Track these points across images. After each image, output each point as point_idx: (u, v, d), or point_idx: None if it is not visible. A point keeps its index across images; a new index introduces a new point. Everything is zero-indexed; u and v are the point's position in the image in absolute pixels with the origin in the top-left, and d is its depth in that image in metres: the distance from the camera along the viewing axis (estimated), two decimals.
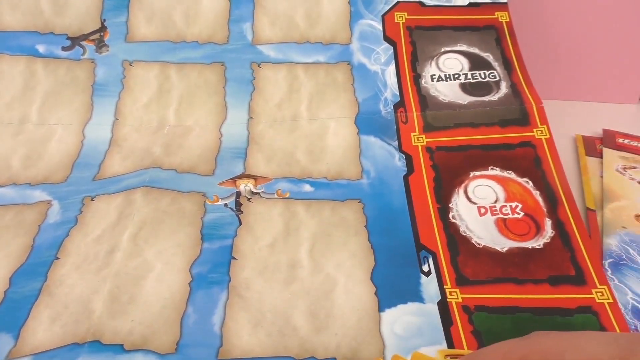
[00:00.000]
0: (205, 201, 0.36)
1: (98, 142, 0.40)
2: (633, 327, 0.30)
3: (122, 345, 0.27)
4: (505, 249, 0.34)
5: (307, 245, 0.34)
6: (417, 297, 0.31)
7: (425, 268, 0.33)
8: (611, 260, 0.35)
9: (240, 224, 0.35)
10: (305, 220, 0.35)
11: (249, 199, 0.36)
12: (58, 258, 0.32)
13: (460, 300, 0.32)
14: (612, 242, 0.36)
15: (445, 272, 0.33)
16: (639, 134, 0.48)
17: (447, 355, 0.29)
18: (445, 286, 0.32)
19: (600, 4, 0.49)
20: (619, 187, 0.38)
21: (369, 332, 0.30)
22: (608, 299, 0.32)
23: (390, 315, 0.30)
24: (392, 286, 0.32)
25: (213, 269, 0.32)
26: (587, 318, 0.31)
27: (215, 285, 0.31)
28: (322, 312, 0.30)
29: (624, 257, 0.35)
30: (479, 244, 0.34)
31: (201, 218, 0.35)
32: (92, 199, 0.36)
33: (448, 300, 0.31)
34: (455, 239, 0.34)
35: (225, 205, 0.36)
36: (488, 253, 0.34)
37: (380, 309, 0.31)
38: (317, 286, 0.31)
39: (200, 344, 0.28)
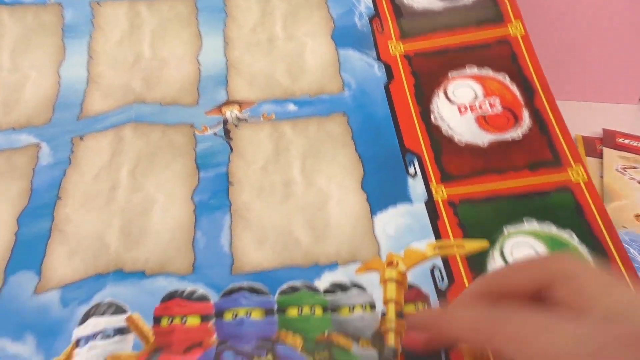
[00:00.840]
0: (194, 132, 0.38)
1: (75, 81, 0.42)
2: None
3: (143, 271, 0.31)
4: (486, 144, 0.37)
5: (298, 163, 0.37)
6: (406, 198, 0.35)
7: (411, 170, 0.36)
8: None
9: (232, 150, 0.37)
10: (293, 140, 0.38)
11: (236, 126, 0.39)
12: (60, 198, 0.35)
13: (445, 196, 0.35)
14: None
15: (430, 171, 0.36)
16: (639, 134, 0.50)
17: (435, 247, 0.33)
18: (430, 184, 0.36)
19: (600, 4, 0.50)
20: (619, 187, 0.39)
21: (364, 236, 0.33)
22: (583, 177, 0.36)
23: (382, 218, 0.34)
24: (381, 191, 0.35)
25: (213, 196, 0.35)
26: (564, 197, 0.35)
27: (218, 210, 0.34)
28: (319, 223, 0.34)
29: None
30: (461, 142, 0.37)
31: (193, 149, 0.37)
32: (81, 139, 0.38)
33: (434, 198, 0.35)
34: (438, 139, 0.37)
35: (215, 134, 0.38)
36: (470, 149, 0.37)
37: (373, 213, 0.34)
38: (312, 200, 0.35)
39: (214, 264, 0.32)
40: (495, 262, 0.33)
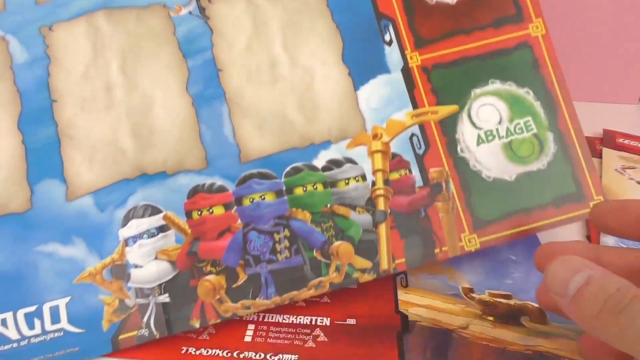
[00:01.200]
0: (169, 13, 0.38)
1: None
2: None
3: (164, 171, 0.35)
4: (455, 1, 0.39)
5: (279, 38, 0.39)
6: (384, 69, 0.39)
7: (387, 37, 0.39)
8: None
9: (212, 32, 0.38)
10: (270, 12, 0.39)
11: (209, 1, 0.39)
12: (55, 101, 0.37)
13: (419, 62, 0.39)
14: (609, 241, 0.39)
15: (405, 37, 0.39)
16: (639, 134, 0.49)
17: (413, 116, 0.38)
18: (405, 52, 0.39)
19: (600, 4, 0.49)
20: (618, 187, 0.40)
21: (350, 111, 0.38)
22: (542, 31, 0.40)
23: (365, 92, 0.38)
24: (361, 63, 0.38)
25: (206, 86, 0.37)
26: (524, 53, 0.40)
27: (214, 100, 0.37)
28: (309, 104, 0.38)
29: None
30: (431, 1, 0.39)
31: (173, 34, 0.38)
32: (50, 29, 0.38)
33: (409, 65, 0.39)
34: (410, 1, 0.39)
35: (190, 12, 0.39)
36: (440, 8, 0.40)
37: (356, 88, 0.38)
38: (299, 80, 0.38)
39: (224, 155, 0.36)
40: (464, 125, 0.39)
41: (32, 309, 0.33)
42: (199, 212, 0.35)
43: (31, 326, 0.33)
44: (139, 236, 0.34)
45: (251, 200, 0.35)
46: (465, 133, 0.38)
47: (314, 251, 0.35)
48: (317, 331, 0.33)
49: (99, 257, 0.34)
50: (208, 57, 0.38)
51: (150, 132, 0.36)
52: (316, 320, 0.34)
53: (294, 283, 0.35)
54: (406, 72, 0.39)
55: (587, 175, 0.38)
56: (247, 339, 0.33)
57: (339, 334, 0.33)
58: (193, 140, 0.36)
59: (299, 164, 0.37)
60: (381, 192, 0.37)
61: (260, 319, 0.34)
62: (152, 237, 0.34)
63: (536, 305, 0.36)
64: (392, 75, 0.39)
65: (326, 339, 0.33)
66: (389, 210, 0.37)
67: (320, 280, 0.35)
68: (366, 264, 0.36)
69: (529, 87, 0.39)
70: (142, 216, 0.34)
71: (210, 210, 0.35)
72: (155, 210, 0.34)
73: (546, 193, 0.38)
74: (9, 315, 0.33)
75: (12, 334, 0.33)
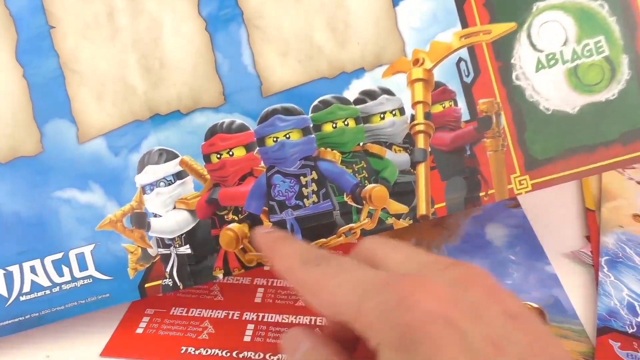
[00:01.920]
0: None
1: None
2: (628, 322, 0.32)
3: (178, 110, 0.32)
4: None
5: None
6: None
7: None
8: (608, 257, 0.35)
9: None
10: None
11: None
12: (53, 27, 0.33)
13: None
14: (608, 241, 0.38)
15: None
16: None
17: (461, 37, 0.33)
18: None
19: None
20: (616, 186, 0.39)
21: (387, 32, 0.33)
22: None
23: (405, 7, 0.33)
24: None
25: (221, 5, 0.33)
26: None
27: (231, 23, 0.33)
28: (339, 24, 0.33)
29: (620, 255, 0.36)
30: None
31: None
32: None
33: None
34: None
35: None
36: None
37: (394, 3, 0.33)
38: None
39: (243, 88, 0.32)
40: (522, 47, 0.33)
41: (59, 256, 0.33)
42: (218, 155, 0.32)
43: (60, 273, 0.33)
44: (156, 184, 0.32)
45: (275, 139, 0.32)
46: (523, 57, 0.33)
47: (345, 195, 0.32)
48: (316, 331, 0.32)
49: (117, 205, 0.32)
50: None
51: (161, 64, 0.32)
52: (316, 320, 0.33)
53: (322, 230, 0.32)
54: None
55: None
56: (247, 338, 0.32)
57: None
58: (208, 72, 0.32)
59: (327, 97, 0.33)
60: (421, 127, 0.33)
61: (260, 319, 0.33)
62: (169, 184, 0.32)
63: (536, 305, 0.34)
64: None
65: None
66: (429, 148, 0.33)
67: (350, 227, 0.33)
68: (402, 208, 0.33)
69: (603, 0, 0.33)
70: (158, 162, 0.32)
71: (230, 153, 0.32)
72: (171, 156, 0.32)
73: (613, 127, 0.33)
74: (37, 263, 0.33)
75: (43, 281, 0.33)
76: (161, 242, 0.32)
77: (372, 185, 0.32)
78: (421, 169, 0.33)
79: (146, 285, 0.33)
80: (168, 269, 0.32)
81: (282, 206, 0.32)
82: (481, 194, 0.33)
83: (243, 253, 0.32)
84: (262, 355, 0.31)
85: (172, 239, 0.32)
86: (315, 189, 0.32)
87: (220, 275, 0.32)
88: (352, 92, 0.33)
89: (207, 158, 0.32)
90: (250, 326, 0.33)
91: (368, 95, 0.33)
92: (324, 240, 0.33)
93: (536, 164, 0.33)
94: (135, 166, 0.32)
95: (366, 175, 0.33)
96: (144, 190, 0.32)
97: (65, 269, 0.33)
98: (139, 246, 0.32)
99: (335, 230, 0.33)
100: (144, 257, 0.33)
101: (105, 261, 0.33)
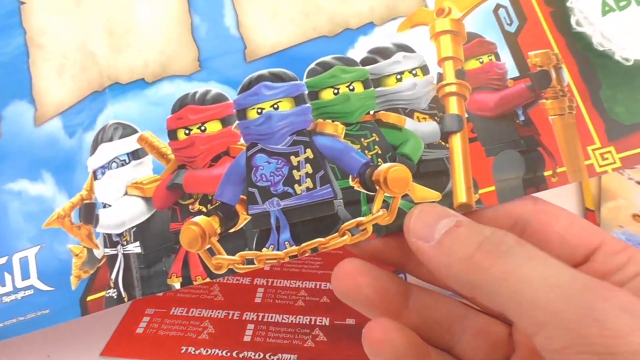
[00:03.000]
0: None
1: None
2: None
3: (142, 79, 0.26)
4: None
5: None
6: None
7: None
8: None
9: None
10: None
11: None
12: (23, 2, 0.29)
13: None
14: (621, 237, 0.36)
15: None
16: None
17: None
18: None
19: None
20: (616, 186, 0.39)
21: None
22: None
23: None
24: None
25: None
26: None
27: None
28: None
29: None
30: None
31: None
32: None
33: None
34: None
35: None
36: None
37: None
38: None
39: (222, 53, 0.26)
40: None
41: (3, 261, 0.27)
42: (187, 131, 0.25)
43: (2, 282, 0.26)
44: (107, 166, 0.25)
45: (259, 111, 0.25)
46: None
47: (350, 179, 0.24)
48: (317, 331, 0.31)
49: (67, 196, 0.26)
50: None
51: (128, 28, 0.27)
52: (315, 320, 0.32)
53: (318, 226, 0.24)
54: None
55: None
56: (247, 338, 0.31)
57: (339, 334, 0.31)
58: (183, 36, 0.27)
59: (327, 58, 0.26)
60: (453, 88, 0.25)
61: (260, 319, 0.32)
62: (121, 165, 0.25)
63: None
64: None
65: (325, 339, 0.31)
66: (465, 115, 0.24)
67: (358, 221, 0.24)
68: (431, 195, 0.24)
69: None
70: (112, 139, 0.25)
71: (202, 128, 0.25)
72: (128, 131, 0.26)
73: None
74: None
75: None
76: (108, 241, 0.25)
77: (388, 164, 0.24)
78: (456, 140, 0.24)
79: (88, 298, 0.25)
80: (113, 276, 0.25)
81: (266, 194, 0.24)
82: (546, 173, 0.24)
83: (210, 256, 0.24)
84: (262, 355, 0.30)
85: (120, 235, 0.25)
86: (310, 171, 0.24)
87: (177, 285, 0.24)
88: (358, 52, 0.26)
89: (172, 134, 0.26)
90: (250, 326, 0.32)
91: (379, 53, 0.26)
92: (321, 240, 0.24)
93: (623, 131, 0.24)
94: (89, 147, 0.26)
95: (379, 152, 0.24)
96: (95, 175, 0.26)
97: (8, 277, 0.26)
98: (84, 247, 0.25)
99: (337, 227, 0.24)
100: (89, 261, 0.25)
101: (48, 267, 0.26)
